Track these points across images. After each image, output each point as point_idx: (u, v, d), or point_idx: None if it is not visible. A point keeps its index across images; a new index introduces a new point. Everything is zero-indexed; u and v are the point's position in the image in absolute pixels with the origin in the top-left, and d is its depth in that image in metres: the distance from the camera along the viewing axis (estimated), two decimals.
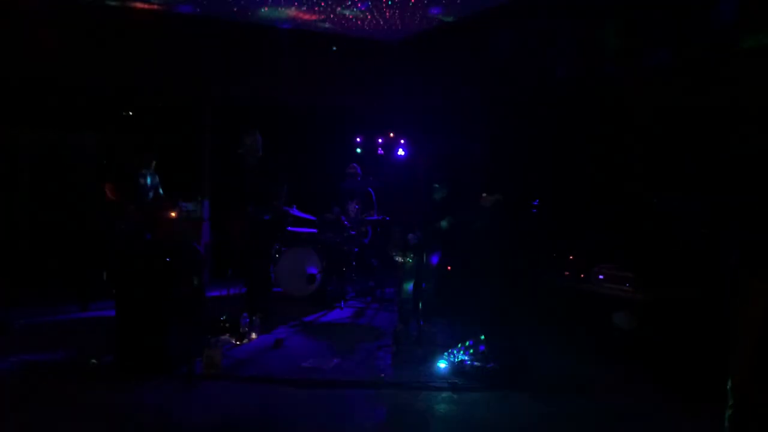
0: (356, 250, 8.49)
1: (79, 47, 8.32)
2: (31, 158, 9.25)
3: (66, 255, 8.16)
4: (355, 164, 8.90)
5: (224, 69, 9.12)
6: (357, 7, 7.96)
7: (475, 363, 5.14)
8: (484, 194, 5.80)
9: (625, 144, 6.87)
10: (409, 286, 6.11)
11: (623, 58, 6.74)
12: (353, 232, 8.39)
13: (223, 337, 6.07)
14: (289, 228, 8.78)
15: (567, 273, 6.69)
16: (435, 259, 6.09)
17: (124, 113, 9.69)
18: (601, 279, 6.21)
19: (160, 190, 8.05)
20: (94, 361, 5.34)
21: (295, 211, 8.07)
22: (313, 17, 8.37)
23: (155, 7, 8.10)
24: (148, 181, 7.92)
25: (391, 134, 9.96)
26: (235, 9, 8.07)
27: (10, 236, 8.73)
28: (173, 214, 7.82)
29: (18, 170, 9.12)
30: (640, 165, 6.81)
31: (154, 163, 8.07)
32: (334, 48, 9.48)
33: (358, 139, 10.12)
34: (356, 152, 10.04)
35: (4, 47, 7.89)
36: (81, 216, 8.42)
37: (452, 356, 5.27)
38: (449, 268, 7.27)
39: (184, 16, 8.44)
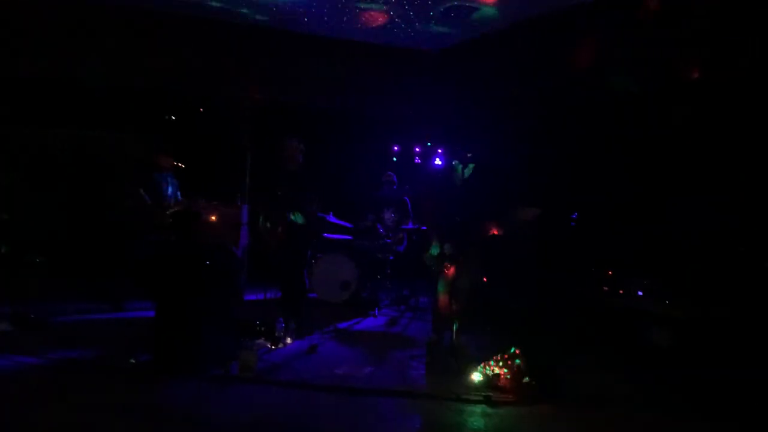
0: (391, 258, 8.51)
1: (121, 51, 8.50)
2: (70, 158, 9.49)
3: (101, 254, 8.24)
4: (391, 173, 8.93)
5: (266, 75, 9.23)
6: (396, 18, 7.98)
7: (510, 376, 5.10)
8: (523, 208, 5.76)
9: (667, 158, 6.78)
10: (444, 295, 6.08)
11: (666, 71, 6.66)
12: (388, 240, 8.41)
13: (258, 341, 6.12)
14: (325, 234, 8.86)
15: (605, 288, 6.61)
16: (471, 270, 6.06)
17: (166, 116, 9.88)
18: (640, 295, 6.12)
19: (178, 194, 7.97)
20: (132, 360, 5.42)
21: (331, 218, 8.13)
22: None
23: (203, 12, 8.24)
24: (170, 184, 7.82)
25: (428, 143, 9.96)
26: (306, 19, 8.18)
27: (46, 235, 8.94)
28: (213, 218, 7.90)
29: (57, 169, 9.35)
30: (680, 180, 6.72)
31: (174, 165, 7.89)
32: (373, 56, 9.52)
33: (395, 148, 10.14)
34: (393, 160, 10.07)
35: (46, 49, 8.10)
36: (117, 215, 8.54)
37: (486, 369, 5.24)
38: (485, 279, 7.23)
39: (228, 21, 8.58)
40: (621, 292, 6.41)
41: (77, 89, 8.87)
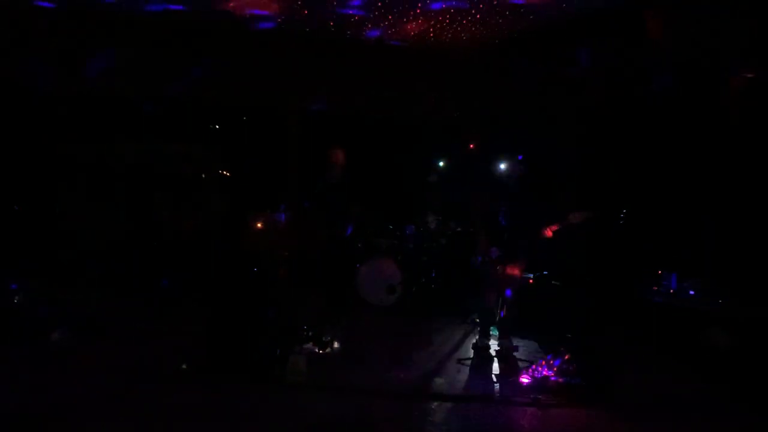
0: (436, 261, 8.51)
1: (169, 61, 8.71)
2: (124, 168, 9.77)
3: (152, 261, 8.41)
4: (435, 174, 8.95)
5: (311, 83, 9.32)
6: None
7: (560, 378, 5.05)
8: (574, 210, 5.70)
9: (718, 154, 6.64)
10: (490, 298, 6.07)
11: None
12: (433, 244, 8.42)
13: (306, 346, 6.19)
14: (370, 238, 8.92)
15: (655, 288, 6.49)
16: (519, 272, 6.03)
17: (211, 126, 10.09)
18: (692, 294, 6.00)
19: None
20: (184, 366, 5.54)
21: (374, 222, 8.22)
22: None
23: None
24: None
25: (472, 146, 9.92)
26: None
27: (98, 242, 9.21)
28: (259, 226, 8.03)
29: (113, 179, 9.64)
30: (732, 176, 6.57)
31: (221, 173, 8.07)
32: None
33: (440, 152, 10.11)
34: (439, 164, 10.06)
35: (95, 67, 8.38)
36: (169, 224, 8.74)
37: (535, 371, 5.20)
38: (531, 281, 7.18)
39: (275, 30, 8.72)
40: (672, 291, 6.28)
41: (124, 103, 9.15)
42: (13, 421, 4.37)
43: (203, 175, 7.70)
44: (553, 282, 7.02)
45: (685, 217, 6.88)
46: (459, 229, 8.58)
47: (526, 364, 5.38)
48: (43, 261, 8.68)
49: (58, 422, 4.38)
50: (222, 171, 9.86)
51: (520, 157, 6.05)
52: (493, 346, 6.11)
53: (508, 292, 6.00)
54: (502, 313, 6.09)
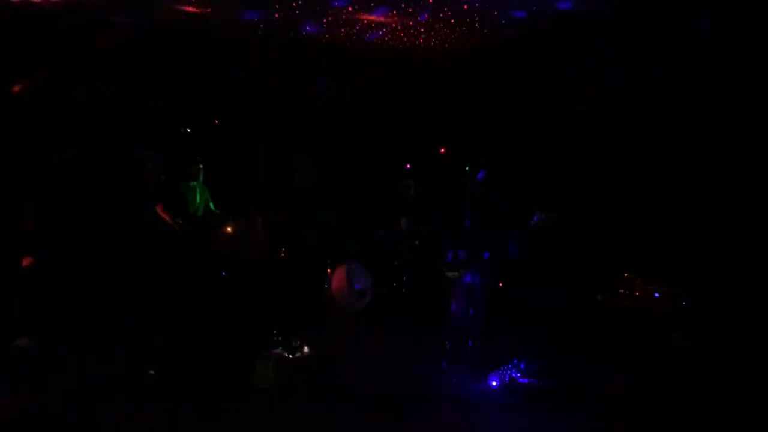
0: (407, 265, 8.51)
1: (140, 70, 8.64)
2: (90, 176, 9.61)
3: (123, 268, 8.27)
4: (410, 180, 8.97)
5: (279, 87, 9.30)
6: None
7: (527, 381, 5.08)
8: (539, 213, 5.75)
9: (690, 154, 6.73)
10: (461, 302, 6.08)
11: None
12: (404, 248, 8.43)
13: (275, 351, 6.12)
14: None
15: (621, 291, 6.57)
16: (487, 276, 6.05)
17: (182, 131, 10.00)
18: (657, 297, 6.08)
19: (211, 205, 8.05)
20: (151, 372, 5.46)
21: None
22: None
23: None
24: (197, 195, 7.89)
25: (442, 150, 9.96)
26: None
27: (70, 252, 9.04)
28: (228, 230, 7.97)
29: (78, 187, 9.47)
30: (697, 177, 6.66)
31: (201, 175, 7.94)
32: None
33: (408, 156, 10.14)
34: (407, 168, 10.07)
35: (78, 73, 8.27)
36: (140, 231, 8.62)
37: (505, 374, 5.22)
38: (501, 285, 7.22)
39: (242, 36, 8.69)
40: (637, 294, 6.36)
41: (93, 109, 9.02)
42: None
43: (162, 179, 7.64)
44: (522, 286, 7.07)
45: (653, 216, 6.95)
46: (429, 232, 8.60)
47: (496, 368, 5.39)
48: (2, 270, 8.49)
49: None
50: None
51: (480, 174, 6.06)
52: (463, 349, 6.12)
53: (478, 296, 6.02)
54: (472, 317, 6.10)
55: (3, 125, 8.93)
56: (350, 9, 7.42)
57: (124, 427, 4.43)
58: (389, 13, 7.61)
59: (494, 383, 5.18)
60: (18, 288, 8.34)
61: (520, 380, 5.12)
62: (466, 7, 7.20)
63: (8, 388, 5.11)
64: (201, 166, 7.87)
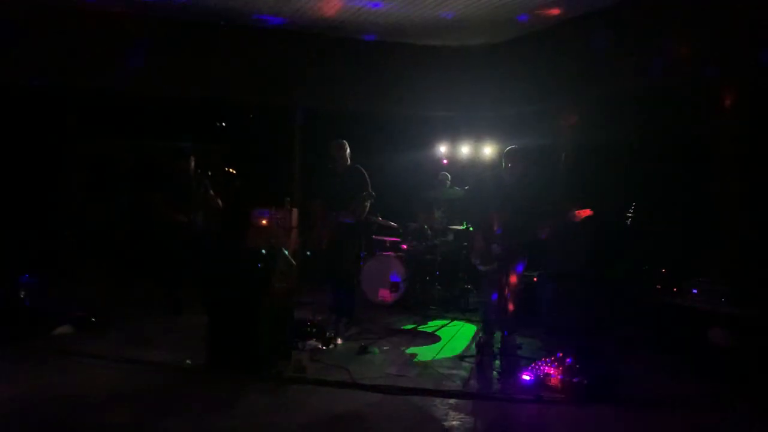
0: (440, 258, 8.51)
1: (174, 62, 8.76)
2: (129, 167, 9.81)
3: (161, 259, 8.37)
4: (445, 173, 8.96)
5: (314, 78, 9.35)
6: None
7: (561, 376, 5.05)
8: (576, 205, 5.67)
9: (724, 149, 6.61)
10: (493, 296, 6.06)
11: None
12: (437, 241, 8.43)
13: (309, 342, 6.19)
14: (374, 236, 8.93)
15: (659, 286, 6.48)
16: (520, 270, 6.02)
17: (217, 123, 10.13)
18: (695, 293, 5.99)
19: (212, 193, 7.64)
20: (188, 361, 5.56)
21: (379, 219, 8.21)
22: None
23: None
24: (190, 186, 7.53)
25: (476, 142, 9.92)
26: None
27: (108, 241, 9.25)
28: (264, 222, 8.04)
29: (117, 179, 9.68)
30: (736, 171, 6.55)
31: (192, 167, 7.63)
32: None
33: (442, 149, 10.12)
34: (441, 160, 10.06)
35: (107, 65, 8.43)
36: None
37: (537, 369, 5.19)
38: (535, 279, 7.18)
39: (276, 29, 8.77)
40: (675, 290, 6.27)
41: (135, 101, 9.19)
42: (18, 415, 4.40)
43: (209, 173, 7.68)
44: (556, 279, 7.02)
45: (689, 215, 6.86)
46: (462, 226, 8.58)
47: (528, 362, 5.37)
48: (47, 256, 8.72)
49: (63, 416, 4.41)
50: (226, 168, 9.91)
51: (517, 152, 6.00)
52: (496, 343, 6.10)
53: (511, 290, 5.98)
54: (505, 311, 6.08)
55: (50, 119, 9.19)
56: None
57: (157, 412, 4.51)
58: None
59: (528, 377, 5.15)
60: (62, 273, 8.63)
61: (554, 374, 5.08)
62: None
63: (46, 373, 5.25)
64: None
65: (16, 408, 4.53)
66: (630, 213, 6.49)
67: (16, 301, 6.59)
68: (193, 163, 7.60)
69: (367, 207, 6.75)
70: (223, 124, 10.36)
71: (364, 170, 6.83)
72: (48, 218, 9.32)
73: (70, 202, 9.77)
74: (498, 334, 6.12)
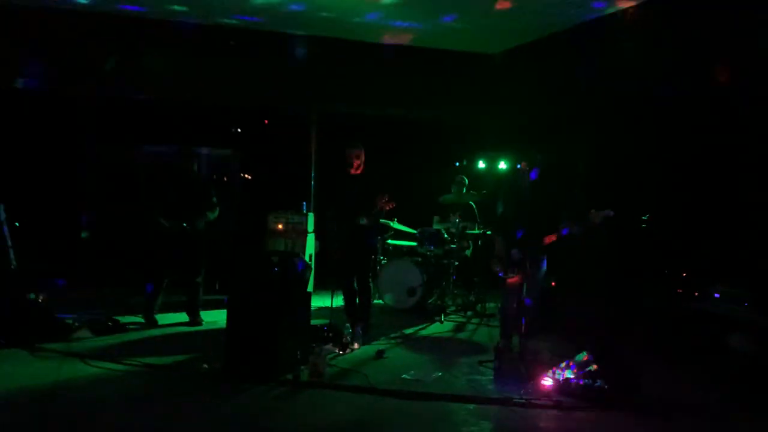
0: (457, 263, 8.47)
1: (193, 69, 8.83)
2: (149, 172, 9.83)
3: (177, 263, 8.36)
4: (462, 176, 8.92)
5: (331, 84, 9.38)
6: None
7: (582, 381, 4.98)
8: (593, 210, 5.60)
9: (740, 154, 6.53)
10: (512, 301, 6.00)
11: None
12: (454, 246, 8.38)
13: (326, 347, 6.17)
14: (391, 240, 8.90)
15: (680, 291, 6.40)
16: (539, 275, 5.96)
17: (232, 129, 10.15)
18: (717, 298, 5.90)
19: (214, 200, 7.32)
20: (205, 366, 5.55)
21: (395, 224, 8.18)
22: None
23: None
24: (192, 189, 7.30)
25: (494, 146, 9.87)
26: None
27: (126, 245, 9.28)
28: (280, 226, 8.04)
29: (137, 183, 9.70)
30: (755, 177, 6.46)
31: (194, 169, 7.41)
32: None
33: (459, 153, 10.09)
34: (456, 165, 10.03)
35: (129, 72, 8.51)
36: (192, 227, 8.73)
37: (557, 374, 5.13)
38: (553, 284, 7.11)
39: (291, 34, 8.81)
40: (696, 294, 6.19)
41: (150, 106, 9.25)
42: (37, 416, 4.42)
43: (225, 178, 7.70)
44: (574, 282, 6.95)
45: (708, 219, 6.77)
46: (477, 231, 8.54)
47: (548, 367, 5.30)
48: (65, 260, 8.78)
49: (81, 419, 4.41)
50: (243, 174, 9.92)
51: (538, 157, 5.97)
52: (515, 348, 6.05)
53: (530, 295, 5.92)
54: (524, 316, 6.02)
55: (71, 125, 9.27)
56: None
57: (173, 416, 4.50)
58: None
59: (547, 383, 5.09)
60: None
61: (574, 380, 5.01)
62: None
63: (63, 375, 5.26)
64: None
65: (35, 409, 4.55)
66: (644, 219, 6.43)
67: (35, 304, 6.61)
68: (195, 165, 7.48)
69: (384, 212, 6.73)
70: (239, 129, 10.38)
71: (380, 175, 6.81)
72: (67, 221, 9.38)
73: (88, 205, 9.82)
74: (516, 339, 6.06)
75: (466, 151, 10.07)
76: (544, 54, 8.88)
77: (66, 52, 8.30)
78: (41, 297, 6.73)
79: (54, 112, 9.04)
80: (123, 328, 6.86)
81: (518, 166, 6.13)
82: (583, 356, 5.17)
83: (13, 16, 7.96)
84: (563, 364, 5.19)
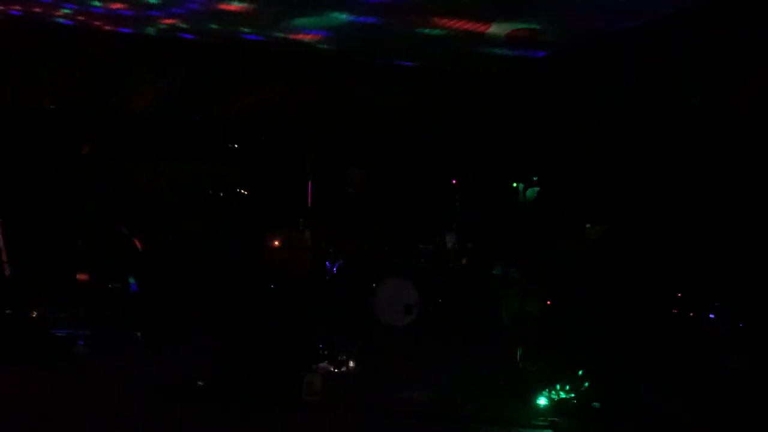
0: (453, 280, 8.45)
1: (187, 84, 8.88)
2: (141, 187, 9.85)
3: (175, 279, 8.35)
4: (458, 193, 8.94)
5: (328, 101, 9.44)
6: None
7: (577, 401, 4.98)
8: (589, 225, 5.64)
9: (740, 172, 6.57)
10: (508, 319, 6.02)
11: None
12: (450, 263, 8.38)
13: (322, 364, 6.15)
14: (387, 258, 8.90)
15: (675, 310, 6.41)
16: (536, 292, 5.98)
17: (229, 145, 10.18)
18: (712, 318, 5.92)
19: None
20: (200, 383, 5.53)
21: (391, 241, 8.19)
22: None
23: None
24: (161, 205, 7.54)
25: (489, 161, 9.91)
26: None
27: (115, 260, 9.27)
28: (276, 243, 8.06)
29: (131, 198, 9.70)
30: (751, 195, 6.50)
31: (163, 184, 7.81)
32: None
33: (454, 170, 10.11)
34: (453, 183, 10.04)
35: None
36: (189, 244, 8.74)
37: (552, 393, 5.13)
38: (549, 302, 7.11)
39: (292, 51, 8.88)
40: (691, 314, 6.20)
41: (144, 123, 9.30)
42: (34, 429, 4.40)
43: (221, 194, 7.70)
44: (570, 301, 6.95)
45: (705, 238, 6.80)
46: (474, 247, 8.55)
47: (543, 385, 5.30)
48: (60, 279, 8.76)
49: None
50: (240, 190, 9.93)
51: (534, 177, 6.00)
52: (512, 366, 6.04)
53: (526, 312, 5.94)
54: (520, 333, 6.03)
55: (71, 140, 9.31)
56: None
57: None
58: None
59: (542, 402, 5.09)
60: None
61: (569, 400, 5.01)
62: None
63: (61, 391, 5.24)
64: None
65: (34, 421, 4.57)
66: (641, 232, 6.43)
67: (34, 320, 6.60)
68: (165, 180, 7.49)
69: (382, 231, 6.76)
70: (236, 145, 10.41)
71: (379, 194, 6.85)
72: (65, 239, 9.37)
73: (86, 222, 9.81)
74: (515, 357, 6.06)
75: (463, 166, 10.08)
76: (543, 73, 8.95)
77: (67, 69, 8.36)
78: (36, 312, 6.72)
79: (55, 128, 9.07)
80: (118, 345, 6.83)
81: (515, 185, 6.18)
82: (579, 375, 5.17)
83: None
84: (559, 383, 5.18)
